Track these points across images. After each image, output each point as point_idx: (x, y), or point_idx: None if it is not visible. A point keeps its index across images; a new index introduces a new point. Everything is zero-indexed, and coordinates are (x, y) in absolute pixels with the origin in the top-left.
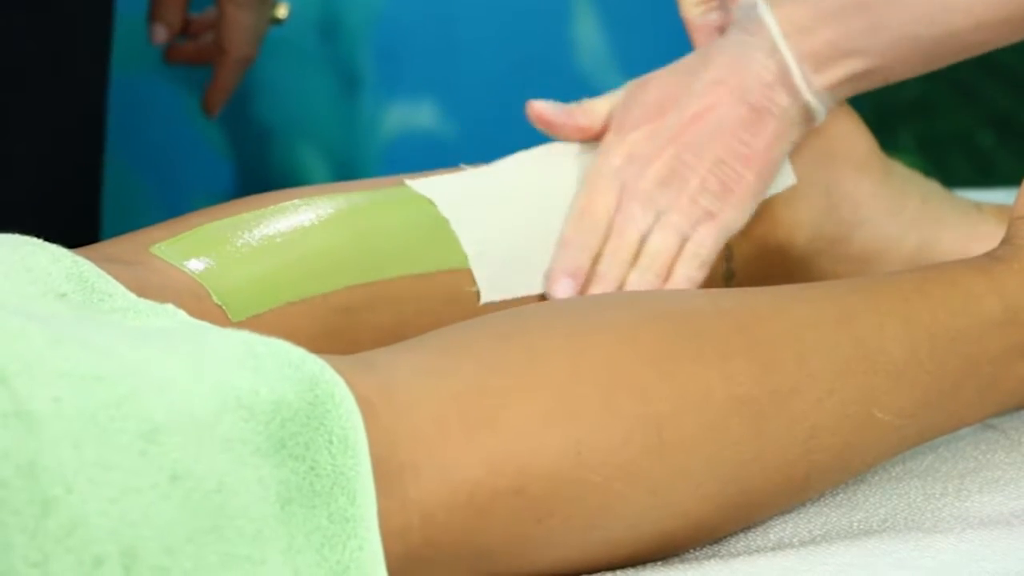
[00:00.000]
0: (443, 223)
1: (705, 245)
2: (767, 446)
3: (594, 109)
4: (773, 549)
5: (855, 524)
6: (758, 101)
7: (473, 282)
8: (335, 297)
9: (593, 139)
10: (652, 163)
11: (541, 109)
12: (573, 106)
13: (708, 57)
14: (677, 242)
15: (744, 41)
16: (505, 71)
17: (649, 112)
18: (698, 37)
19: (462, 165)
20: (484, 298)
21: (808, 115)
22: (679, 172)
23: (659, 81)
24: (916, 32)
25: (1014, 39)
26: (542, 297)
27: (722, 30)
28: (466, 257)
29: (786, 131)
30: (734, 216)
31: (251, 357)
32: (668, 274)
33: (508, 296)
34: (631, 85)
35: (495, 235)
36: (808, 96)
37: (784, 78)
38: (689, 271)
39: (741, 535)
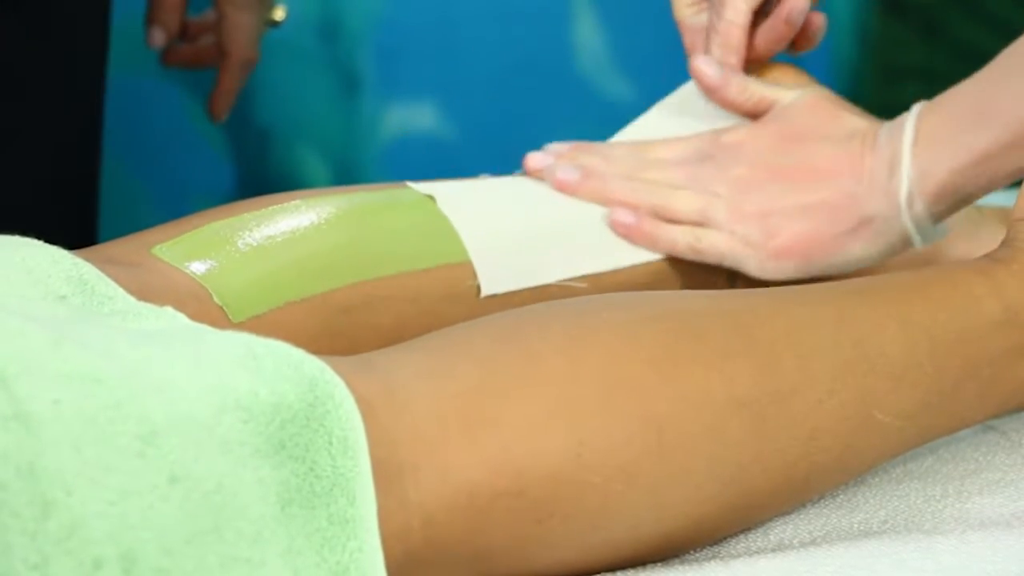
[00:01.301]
0: (443, 220)
1: (707, 241)
2: (767, 447)
3: (755, 93)
4: (773, 550)
5: (855, 525)
6: (863, 207)
7: (473, 276)
8: (335, 296)
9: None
10: (735, 170)
11: (703, 66)
12: (732, 77)
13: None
14: (696, 215)
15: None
16: (505, 72)
17: (784, 136)
18: (690, 37)
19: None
20: (485, 291)
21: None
22: (750, 193)
23: (812, 111)
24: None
25: None
26: (543, 290)
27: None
28: (465, 251)
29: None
30: (749, 256)
31: (250, 358)
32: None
33: (509, 288)
34: (805, 98)
35: (495, 228)
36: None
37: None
38: (682, 240)
39: (741, 536)
